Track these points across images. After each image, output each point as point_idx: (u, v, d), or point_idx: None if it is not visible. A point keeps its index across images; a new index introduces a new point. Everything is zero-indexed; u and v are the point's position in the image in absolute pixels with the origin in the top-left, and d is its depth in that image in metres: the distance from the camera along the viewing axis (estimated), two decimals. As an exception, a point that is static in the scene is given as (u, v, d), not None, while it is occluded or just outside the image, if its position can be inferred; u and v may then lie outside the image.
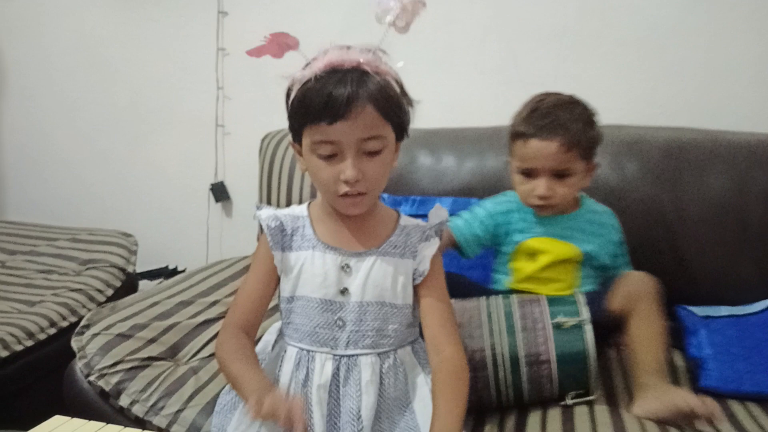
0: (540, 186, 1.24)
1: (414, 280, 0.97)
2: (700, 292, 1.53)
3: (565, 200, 1.29)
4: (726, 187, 1.53)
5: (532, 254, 1.31)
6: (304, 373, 0.94)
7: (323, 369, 0.93)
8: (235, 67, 2.16)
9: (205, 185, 2.24)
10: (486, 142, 1.72)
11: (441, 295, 0.99)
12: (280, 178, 1.88)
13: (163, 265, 2.19)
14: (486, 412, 1.13)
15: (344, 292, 0.95)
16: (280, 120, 1.98)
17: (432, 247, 0.98)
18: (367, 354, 0.94)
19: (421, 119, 0.99)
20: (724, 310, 1.45)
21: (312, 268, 0.95)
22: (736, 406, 1.19)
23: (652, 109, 1.81)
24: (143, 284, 2.07)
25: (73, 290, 1.75)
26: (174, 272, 2.16)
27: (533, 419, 1.10)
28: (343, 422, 0.91)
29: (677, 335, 1.37)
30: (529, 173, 1.26)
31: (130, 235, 2.06)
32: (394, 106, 0.91)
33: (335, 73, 0.86)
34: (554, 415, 1.11)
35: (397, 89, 0.92)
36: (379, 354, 0.95)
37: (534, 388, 1.12)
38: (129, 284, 1.93)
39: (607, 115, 1.78)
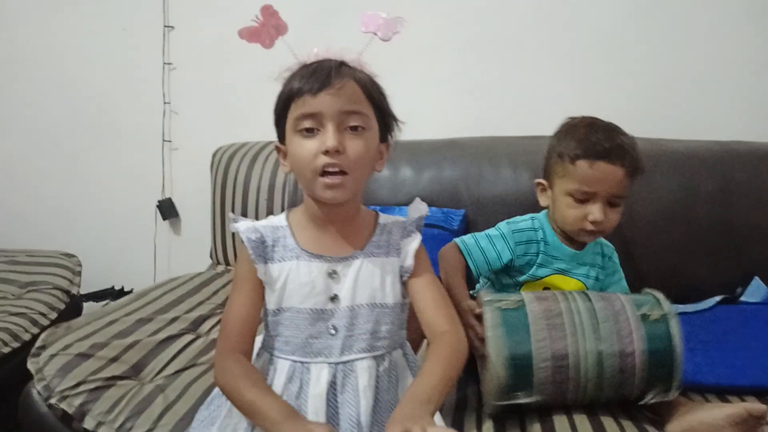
0: (596, 211, 1.19)
1: (401, 276, 0.97)
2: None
3: (612, 227, 1.24)
4: (675, 190, 1.61)
5: (546, 287, 1.27)
6: (298, 386, 0.91)
7: (319, 378, 0.91)
8: (183, 81, 2.12)
9: (152, 202, 2.17)
10: (442, 153, 1.75)
11: (430, 281, 0.98)
12: (234, 193, 1.84)
13: (109, 286, 2.10)
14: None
15: (334, 298, 0.93)
16: (229, 135, 1.99)
17: (414, 243, 0.98)
18: (362, 358, 0.92)
19: None
20: (677, 308, 1.50)
21: (298, 278, 0.93)
22: (697, 399, 1.23)
23: (600, 115, 1.87)
24: (88, 306, 1.98)
25: (14, 314, 1.65)
26: (120, 293, 2.07)
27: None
28: (343, 430, 0.88)
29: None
30: (583, 197, 1.21)
31: (73, 256, 1.97)
32: (377, 91, 0.93)
33: (321, 60, 0.92)
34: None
35: (384, 90, 0.95)
36: (374, 357, 0.93)
37: (615, 384, 1.06)
38: (73, 307, 1.83)
39: (556, 123, 1.86)
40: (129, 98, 2.16)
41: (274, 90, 0.94)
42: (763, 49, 1.81)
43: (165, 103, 2.12)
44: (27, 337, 1.59)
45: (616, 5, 1.86)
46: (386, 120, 0.96)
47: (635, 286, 1.58)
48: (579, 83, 1.89)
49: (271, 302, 0.95)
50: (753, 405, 1.02)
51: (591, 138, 1.20)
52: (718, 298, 1.52)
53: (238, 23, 2.01)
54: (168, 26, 2.09)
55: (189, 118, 2.13)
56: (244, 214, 1.81)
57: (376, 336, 0.94)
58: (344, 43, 0.93)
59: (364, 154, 0.90)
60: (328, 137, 0.87)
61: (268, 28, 0.98)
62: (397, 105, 1.93)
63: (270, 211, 1.79)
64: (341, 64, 0.91)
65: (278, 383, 0.92)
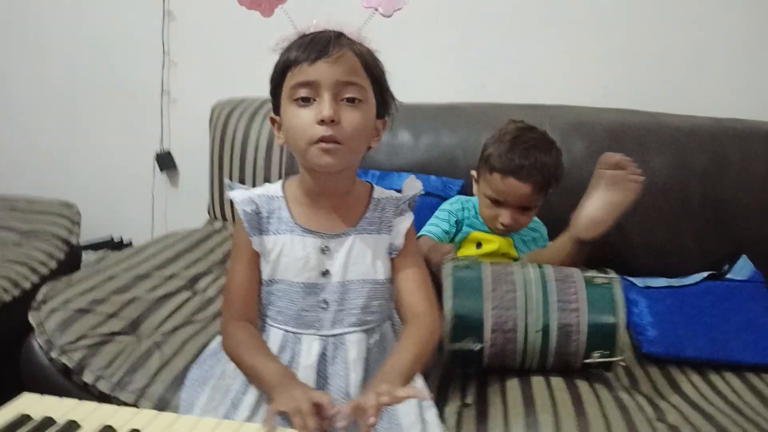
0: (505, 216, 1.33)
1: (390, 254, 0.99)
2: (642, 264, 1.63)
3: (523, 227, 1.39)
4: (668, 166, 1.62)
5: (479, 243, 1.39)
6: (290, 356, 0.94)
7: (310, 350, 0.94)
8: (183, 32, 2.09)
9: (150, 154, 2.18)
10: (441, 119, 1.75)
11: (416, 261, 1.00)
12: (232, 149, 1.84)
13: (107, 236, 2.12)
14: (491, 375, 1.16)
15: (326, 273, 0.95)
16: (230, 88, 1.98)
17: (406, 222, 0.99)
18: (353, 332, 0.95)
19: None
20: (663, 282, 1.54)
21: (292, 253, 0.94)
22: (675, 372, 1.28)
23: (596, 90, 1.88)
24: (86, 256, 2.00)
25: (14, 262, 1.67)
26: (119, 244, 2.10)
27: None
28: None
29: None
30: (496, 201, 1.34)
31: (72, 205, 1.97)
32: (376, 65, 0.93)
33: (320, 30, 0.91)
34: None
35: (382, 65, 0.94)
36: (365, 330, 0.96)
37: (562, 335, 1.13)
38: (72, 256, 1.85)
39: (554, 95, 1.86)
40: (128, 48, 2.14)
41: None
42: (759, 28, 1.79)
43: (164, 53, 2.10)
44: (27, 285, 1.61)
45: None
46: (384, 96, 0.95)
47: (626, 258, 1.64)
48: (576, 56, 1.89)
49: (265, 272, 0.96)
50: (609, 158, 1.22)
51: (509, 154, 1.30)
52: (705, 274, 1.54)
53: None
54: (169, -26, 2.06)
55: (189, 70, 2.12)
56: (242, 172, 1.82)
57: (366, 311, 0.96)
58: (345, 16, 0.93)
59: (360, 126, 0.89)
60: (324, 107, 0.86)
61: None
62: (397, 73, 1.93)
63: (267, 170, 1.80)
64: (340, 35, 0.90)
65: (272, 350, 0.94)
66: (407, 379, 0.85)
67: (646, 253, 1.63)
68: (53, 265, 1.75)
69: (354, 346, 0.95)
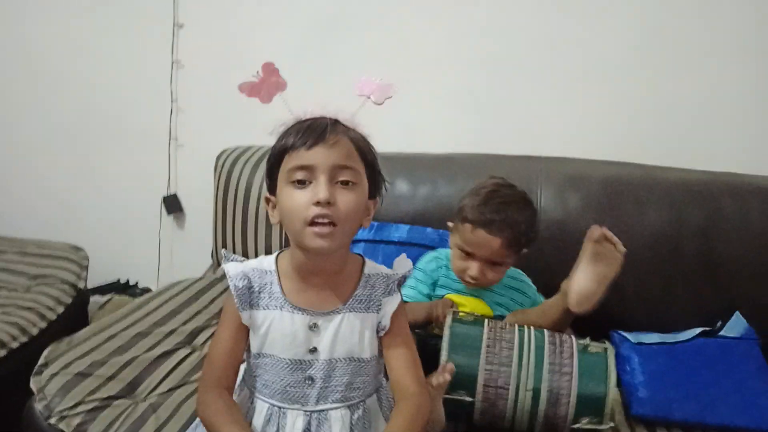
0: (473, 268, 1.34)
1: (378, 332, 1.01)
2: (635, 319, 1.63)
3: (493, 283, 1.40)
4: (662, 221, 1.63)
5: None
6: (275, 429, 0.97)
7: (294, 425, 0.97)
8: (190, 80, 2.15)
9: (158, 197, 2.23)
10: (438, 170, 1.77)
11: (405, 340, 1.02)
12: (236, 196, 1.88)
13: (114, 279, 2.17)
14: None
15: (313, 350, 0.97)
16: (235, 136, 2.03)
17: (393, 303, 1.01)
18: (337, 408, 0.98)
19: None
20: (656, 337, 1.54)
21: (281, 329, 0.97)
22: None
23: (597, 139, 1.90)
24: (94, 300, 2.05)
25: (22, 308, 1.72)
26: (126, 287, 2.15)
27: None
28: None
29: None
30: (467, 253, 1.35)
31: (80, 249, 2.03)
32: (369, 150, 0.97)
33: (316, 117, 0.95)
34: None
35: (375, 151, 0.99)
36: (349, 407, 0.99)
37: (552, 398, 1.16)
38: (80, 300, 1.90)
39: (552, 145, 1.88)
40: (138, 96, 2.20)
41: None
42: (761, 84, 1.81)
43: (172, 101, 2.16)
44: (35, 331, 1.67)
45: (621, 34, 1.86)
46: (376, 178, 0.99)
47: (619, 311, 1.65)
48: (579, 106, 1.91)
49: (254, 346, 0.99)
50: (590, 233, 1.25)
51: (481, 207, 1.33)
52: (698, 330, 1.54)
53: (248, 23, 2.05)
54: (178, 24, 2.12)
55: (195, 117, 2.18)
56: (245, 219, 1.86)
57: (351, 387, 0.99)
58: (339, 102, 0.97)
59: (353, 207, 0.92)
60: (320, 189, 0.89)
61: (267, 85, 1.01)
62: (398, 117, 1.98)
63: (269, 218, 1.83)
64: (336, 122, 0.95)
65: (257, 423, 0.98)
66: None
67: (640, 307, 1.64)
68: (60, 310, 1.80)
69: (338, 422, 0.97)
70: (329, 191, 0.90)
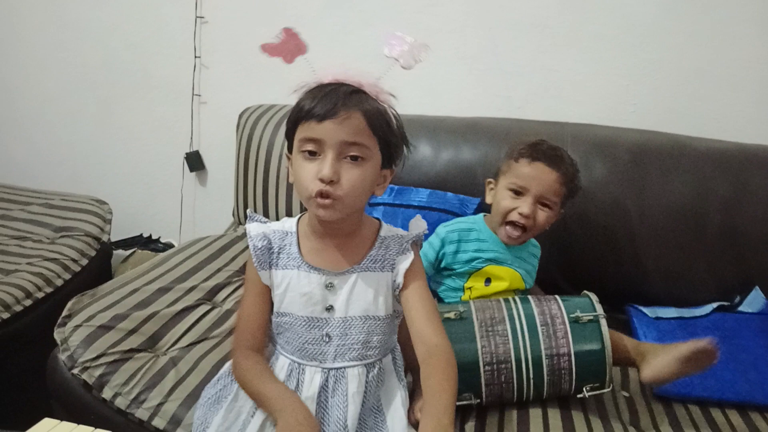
0: (525, 205, 1.35)
1: (394, 291, 1.02)
2: (653, 291, 1.64)
3: (538, 230, 1.39)
4: (687, 193, 1.61)
5: (488, 279, 1.41)
6: (295, 385, 1.00)
7: (312, 381, 0.99)
8: (214, 36, 2.13)
9: (180, 154, 2.24)
10: (462, 134, 1.75)
11: (423, 293, 1.02)
12: (258, 155, 1.89)
13: (137, 233, 2.20)
14: (490, 408, 1.21)
15: (329, 309, 1.00)
16: (258, 94, 2.02)
17: (406, 261, 1.02)
18: (354, 366, 1.00)
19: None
20: (673, 312, 1.54)
21: (298, 288, 0.99)
22: (678, 408, 1.29)
23: (624, 107, 1.86)
24: (117, 254, 2.09)
25: (47, 259, 1.76)
26: (148, 241, 2.17)
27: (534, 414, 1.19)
28: (330, 431, 0.97)
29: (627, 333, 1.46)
30: (518, 192, 1.37)
31: (104, 203, 2.06)
32: (383, 124, 0.95)
33: (336, 84, 0.94)
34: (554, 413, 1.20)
35: (393, 121, 0.96)
36: (365, 365, 1.01)
37: (554, 381, 1.19)
38: (103, 253, 1.94)
39: (579, 111, 1.85)
40: (161, 50, 2.19)
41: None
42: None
43: (196, 56, 2.15)
44: (59, 282, 1.71)
45: (649, -1, 1.81)
46: (390, 150, 0.98)
47: (638, 283, 1.64)
48: (604, 72, 1.86)
49: (275, 304, 1.02)
50: (697, 342, 1.18)
51: (538, 144, 1.40)
52: (715, 305, 1.53)
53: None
54: (202, -22, 2.09)
55: (219, 73, 2.16)
56: (266, 180, 1.87)
57: (367, 345, 1.00)
58: (366, 61, 0.95)
59: (359, 184, 0.93)
60: (325, 166, 0.90)
61: (289, 46, 1.00)
62: (422, 78, 1.95)
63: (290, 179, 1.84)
64: (352, 93, 0.93)
65: (279, 378, 1.01)
66: (452, 422, 0.88)
67: (659, 279, 1.63)
68: (84, 262, 1.83)
69: (354, 379, 0.99)
70: (334, 168, 0.91)
